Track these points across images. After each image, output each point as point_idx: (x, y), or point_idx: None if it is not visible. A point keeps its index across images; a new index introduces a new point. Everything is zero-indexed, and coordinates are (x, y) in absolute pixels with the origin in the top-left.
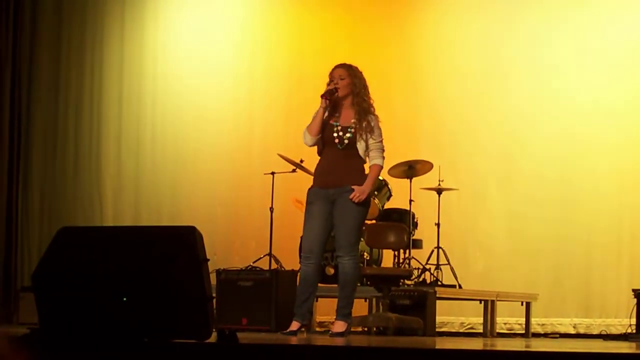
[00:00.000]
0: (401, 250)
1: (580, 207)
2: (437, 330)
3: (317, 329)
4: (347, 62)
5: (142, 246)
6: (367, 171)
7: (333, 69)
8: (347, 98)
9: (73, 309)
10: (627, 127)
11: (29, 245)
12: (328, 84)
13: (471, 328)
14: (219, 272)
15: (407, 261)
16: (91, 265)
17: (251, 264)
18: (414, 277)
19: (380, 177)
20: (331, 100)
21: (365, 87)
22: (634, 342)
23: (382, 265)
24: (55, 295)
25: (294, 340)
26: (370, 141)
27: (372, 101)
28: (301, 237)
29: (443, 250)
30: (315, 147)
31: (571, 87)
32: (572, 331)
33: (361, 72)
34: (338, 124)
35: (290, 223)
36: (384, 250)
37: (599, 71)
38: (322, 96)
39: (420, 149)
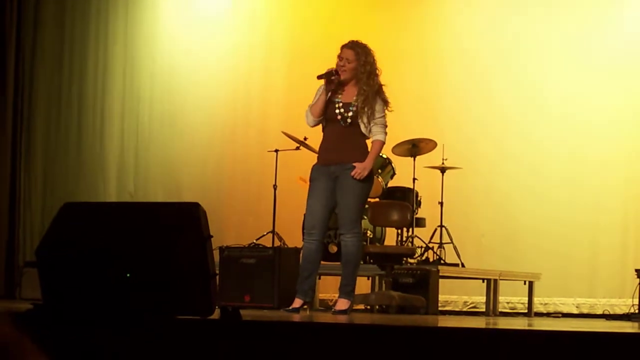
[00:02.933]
0: (404, 229)
1: (586, 186)
2: (440, 308)
3: (320, 307)
4: (357, 41)
5: (146, 222)
6: (369, 147)
7: (343, 48)
8: (352, 79)
9: (76, 285)
10: (635, 108)
11: (32, 221)
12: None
13: (474, 307)
14: (222, 249)
15: (410, 239)
16: (95, 241)
17: (254, 241)
18: (416, 255)
19: (384, 155)
20: (331, 82)
21: (371, 71)
22: (636, 322)
23: (385, 243)
24: (58, 270)
25: (296, 317)
26: (373, 117)
27: (379, 80)
28: (304, 215)
29: (446, 229)
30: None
31: (578, 70)
32: (576, 311)
33: (370, 51)
34: (339, 100)
35: (293, 200)
36: (387, 229)
37: (605, 58)
38: (318, 77)
39: (424, 128)
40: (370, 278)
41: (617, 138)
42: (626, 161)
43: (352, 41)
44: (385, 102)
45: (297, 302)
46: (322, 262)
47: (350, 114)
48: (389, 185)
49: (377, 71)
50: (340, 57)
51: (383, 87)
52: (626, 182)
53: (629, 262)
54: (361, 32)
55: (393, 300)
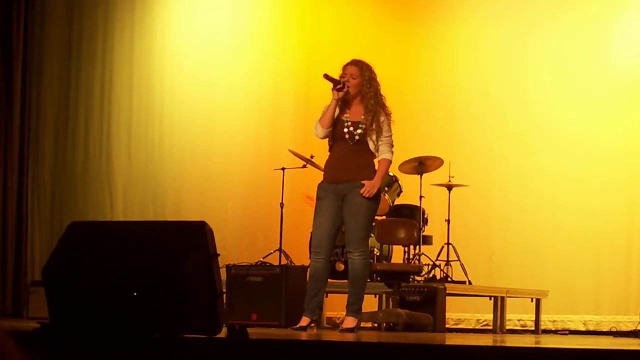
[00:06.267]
0: (411, 247)
1: (591, 204)
2: (453, 327)
3: (327, 325)
4: (360, 59)
5: (153, 241)
6: (376, 166)
7: (346, 66)
8: (357, 96)
9: (83, 304)
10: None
11: (40, 240)
12: (340, 77)
13: (486, 325)
14: (229, 268)
15: (418, 257)
16: (102, 260)
17: (261, 259)
18: (424, 273)
19: (391, 173)
20: (338, 90)
21: (375, 87)
22: None
23: (393, 261)
24: (65, 289)
25: (304, 336)
26: (381, 135)
27: (384, 99)
28: (311, 233)
29: (453, 247)
30: (327, 143)
31: (587, 93)
32: (583, 328)
33: (373, 71)
34: (348, 119)
35: (300, 219)
36: (394, 247)
37: (613, 82)
38: (325, 76)
39: (431, 146)
40: (377, 296)
41: (623, 160)
42: (632, 182)
43: (355, 59)
44: (389, 116)
45: (305, 321)
46: (330, 280)
47: (359, 131)
48: (396, 203)
49: (379, 88)
50: (344, 74)
51: (384, 100)
52: (631, 200)
53: (634, 280)
54: (372, 51)
55: (400, 318)
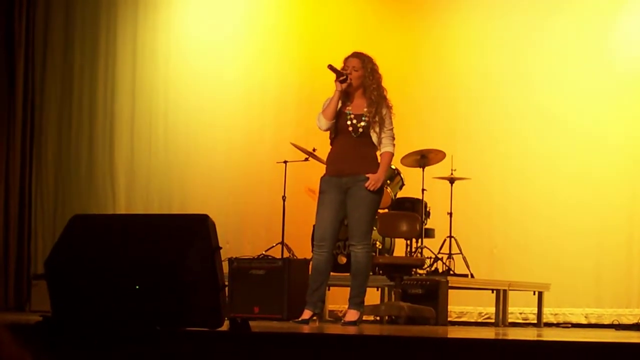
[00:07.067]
0: (413, 240)
1: (593, 197)
2: (455, 320)
3: (329, 318)
4: (362, 52)
5: (155, 234)
6: (378, 159)
7: (347, 58)
8: (359, 88)
9: (85, 297)
10: None
11: (42, 233)
12: (342, 69)
13: (488, 318)
14: (231, 261)
15: (420, 250)
16: (104, 253)
17: (263, 252)
18: (426, 266)
19: (393, 166)
20: (340, 81)
21: (377, 79)
22: None
23: (395, 254)
24: (67, 282)
25: (305, 328)
26: (383, 127)
27: (385, 91)
28: (314, 226)
29: (455, 240)
30: (328, 136)
31: (589, 82)
32: (584, 321)
33: (375, 62)
34: (351, 112)
35: (302, 212)
36: (397, 239)
37: (616, 79)
38: (329, 67)
39: (432, 138)
40: (379, 289)
41: (624, 154)
42: (633, 174)
43: (357, 51)
44: (390, 108)
45: (307, 314)
46: (332, 273)
47: (362, 124)
48: (398, 196)
49: (381, 81)
50: (345, 66)
51: (386, 92)
52: (632, 193)
53: (635, 273)
54: (374, 44)
55: (402, 311)
